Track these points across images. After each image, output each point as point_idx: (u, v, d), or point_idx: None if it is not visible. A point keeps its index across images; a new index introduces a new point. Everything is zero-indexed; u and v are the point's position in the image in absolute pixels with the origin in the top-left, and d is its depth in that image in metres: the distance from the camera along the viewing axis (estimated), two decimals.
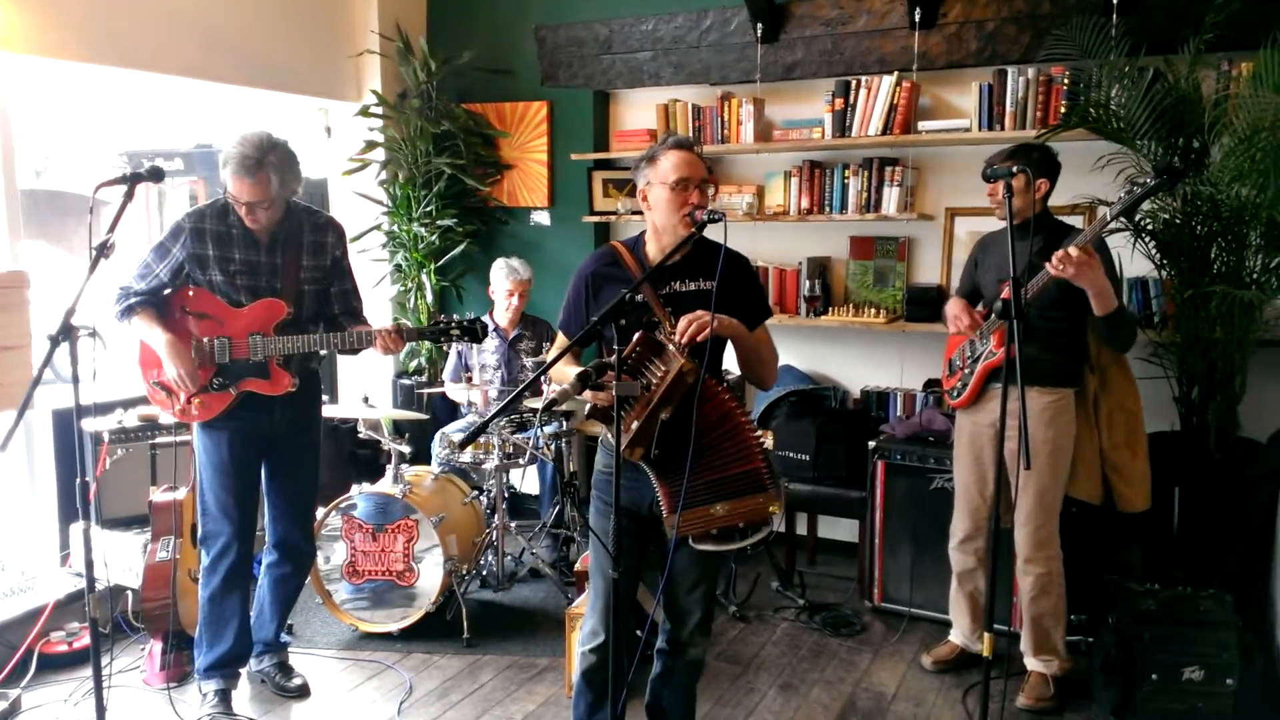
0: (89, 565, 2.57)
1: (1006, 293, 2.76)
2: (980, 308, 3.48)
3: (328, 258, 3.28)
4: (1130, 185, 2.95)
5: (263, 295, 3.14)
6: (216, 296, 3.12)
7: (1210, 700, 3.08)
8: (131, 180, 2.59)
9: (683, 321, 2.31)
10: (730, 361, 2.64)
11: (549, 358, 2.61)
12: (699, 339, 2.29)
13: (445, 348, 4.86)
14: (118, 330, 3.05)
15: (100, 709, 2.62)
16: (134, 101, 5.22)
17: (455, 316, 3.36)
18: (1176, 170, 2.89)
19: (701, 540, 2.34)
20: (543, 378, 2.53)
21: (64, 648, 3.60)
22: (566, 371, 2.43)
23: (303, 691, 3.47)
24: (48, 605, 3.55)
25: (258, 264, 3.14)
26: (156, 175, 2.68)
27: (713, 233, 2.41)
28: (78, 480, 2.63)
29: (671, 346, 2.28)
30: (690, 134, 4.86)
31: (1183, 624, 3.15)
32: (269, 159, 2.99)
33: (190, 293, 3.12)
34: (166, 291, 3.14)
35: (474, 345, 4.71)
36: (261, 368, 3.16)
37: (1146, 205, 3.56)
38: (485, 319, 4.78)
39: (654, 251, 2.53)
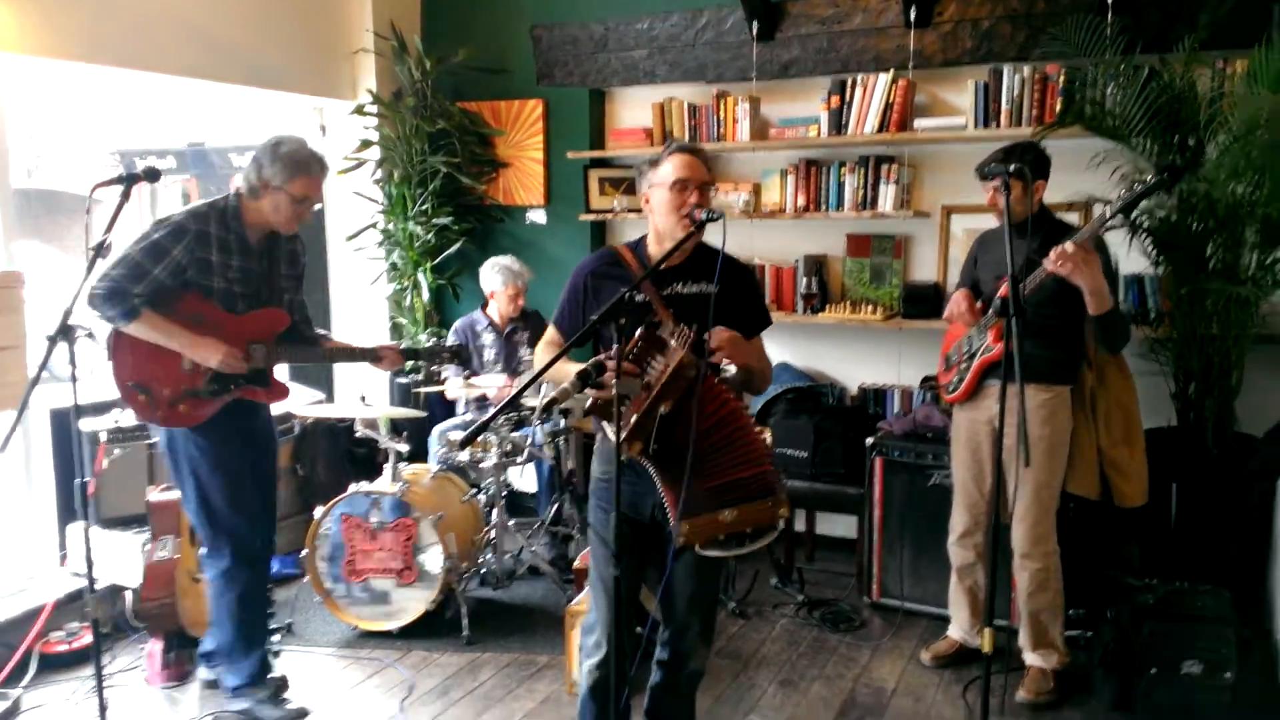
0: (89, 565, 2.57)
1: (1004, 290, 2.78)
2: (980, 304, 3.49)
3: (299, 266, 3.28)
4: (1131, 183, 2.96)
5: (257, 304, 3.11)
6: (212, 302, 3.03)
7: (1209, 694, 3.10)
8: (128, 181, 2.59)
9: (723, 337, 2.32)
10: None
11: (544, 357, 2.60)
12: (724, 360, 2.31)
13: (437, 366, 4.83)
14: (104, 330, 2.94)
15: (101, 709, 2.62)
16: (127, 100, 5.21)
17: (448, 341, 3.40)
18: (1177, 169, 2.91)
19: (708, 546, 2.31)
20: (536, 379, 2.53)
21: (64, 648, 3.59)
22: (566, 369, 2.43)
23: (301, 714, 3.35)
24: (47, 605, 3.54)
25: (251, 272, 3.09)
26: (153, 176, 2.68)
27: (716, 238, 2.42)
28: (76, 480, 2.63)
29: (674, 342, 2.28)
30: (686, 133, 4.87)
31: (1181, 619, 3.17)
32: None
33: (186, 295, 3.01)
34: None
35: (470, 341, 4.74)
36: (262, 376, 3.13)
37: (1143, 202, 3.58)
38: (479, 314, 4.80)
39: (656, 254, 2.53)
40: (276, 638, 3.67)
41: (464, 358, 3.50)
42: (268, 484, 3.32)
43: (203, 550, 3.21)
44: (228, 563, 3.15)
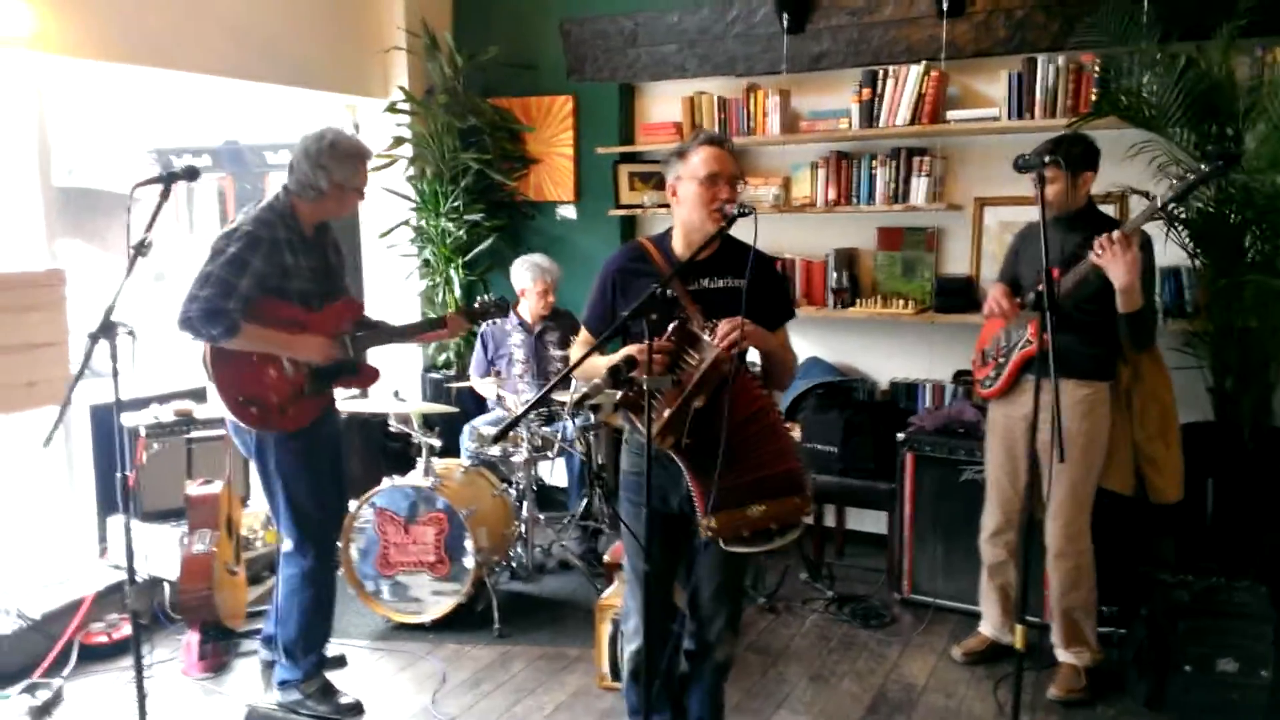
0: (129, 557, 2.62)
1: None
2: (1020, 299, 3.45)
3: (342, 252, 3.32)
4: (1184, 172, 2.89)
5: (326, 297, 3.14)
6: (294, 304, 3.05)
7: (1245, 692, 3.06)
8: (168, 180, 2.63)
9: (725, 325, 2.28)
10: (753, 353, 2.64)
11: (574, 354, 2.61)
12: (735, 348, 2.28)
13: (478, 328, 4.86)
14: (193, 345, 2.98)
15: (141, 699, 2.67)
16: (163, 99, 5.28)
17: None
18: (1231, 155, 2.85)
19: (733, 542, 2.31)
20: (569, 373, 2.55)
21: (104, 639, 3.66)
22: (597, 365, 2.43)
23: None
24: (88, 597, 3.61)
25: (315, 268, 3.11)
26: (192, 175, 2.72)
27: (740, 231, 2.41)
28: (117, 474, 2.68)
29: (707, 337, 2.28)
30: (716, 126, 4.86)
31: (1217, 615, 3.13)
32: None
33: (271, 303, 3.00)
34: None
35: (500, 340, 4.76)
36: (350, 365, 3.18)
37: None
38: (509, 313, 4.82)
39: (681, 247, 2.53)
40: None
41: (504, 307, 3.59)
42: (344, 484, 3.39)
43: (286, 548, 3.21)
44: (311, 563, 3.18)
